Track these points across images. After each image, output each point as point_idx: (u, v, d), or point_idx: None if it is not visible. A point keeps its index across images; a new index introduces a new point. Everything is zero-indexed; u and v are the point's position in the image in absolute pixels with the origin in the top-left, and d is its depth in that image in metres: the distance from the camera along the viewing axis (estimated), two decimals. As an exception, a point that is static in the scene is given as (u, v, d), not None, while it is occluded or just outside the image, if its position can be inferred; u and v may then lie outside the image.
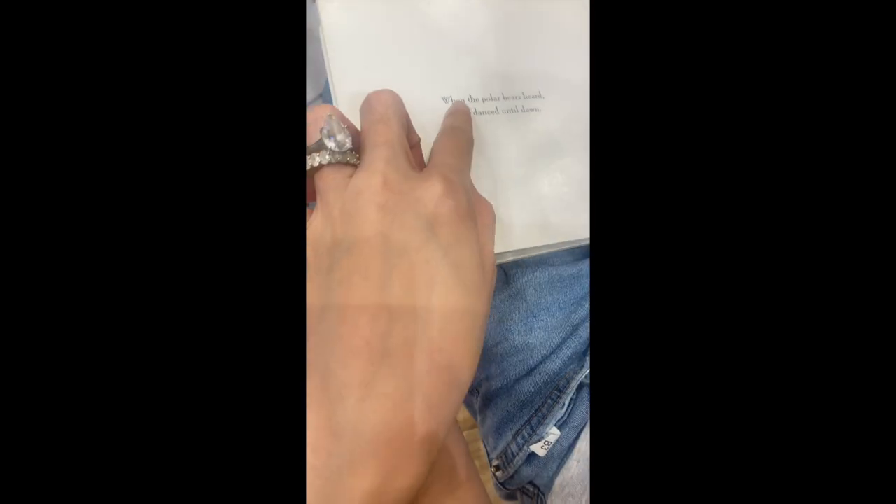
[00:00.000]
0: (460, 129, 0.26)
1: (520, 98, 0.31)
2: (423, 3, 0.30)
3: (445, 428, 0.20)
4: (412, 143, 0.25)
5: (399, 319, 0.19)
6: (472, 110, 0.29)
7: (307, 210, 0.23)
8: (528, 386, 0.37)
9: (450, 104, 0.28)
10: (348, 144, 0.22)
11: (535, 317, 0.36)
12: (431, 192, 0.21)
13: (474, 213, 0.23)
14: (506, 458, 0.38)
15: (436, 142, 0.25)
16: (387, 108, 0.23)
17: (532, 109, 0.31)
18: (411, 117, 0.25)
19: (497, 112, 0.30)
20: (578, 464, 0.35)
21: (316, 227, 0.22)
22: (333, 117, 0.22)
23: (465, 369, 0.20)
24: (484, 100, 0.30)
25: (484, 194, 0.25)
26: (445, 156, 0.24)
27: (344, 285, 0.20)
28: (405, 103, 0.25)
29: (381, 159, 0.21)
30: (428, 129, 0.27)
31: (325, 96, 0.45)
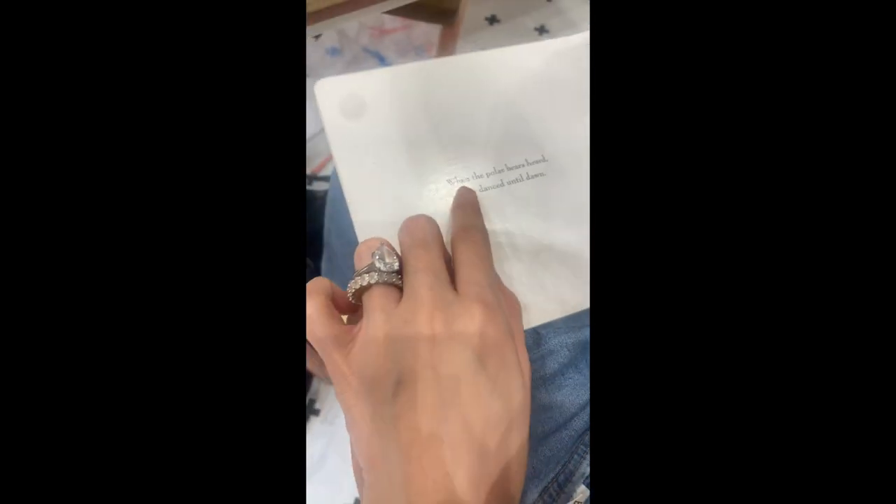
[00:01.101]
0: (473, 227, 0.26)
1: (523, 165, 0.30)
2: (418, 95, 0.31)
3: None
4: (447, 260, 0.26)
5: (459, 459, 0.20)
6: (478, 187, 0.29)
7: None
8: (554, 442, 0.37)
9: (454, 185, 0.28)
10: (395, 266, 0.24)
11: (562, 375, 0.36)
12: (474, 323, 0.22)
13: (512, 328, 0.23)
14: (533, 517, 0.38)
15: (455, 248, 0.25)
16: (425, 232, 0.24)
17: (537, 175, 0.31)
18: (419, 204, 0.26)
19: (503, 185, 0.30)
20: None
21: (361, 347, 0.22)
22: (384, 246, 0.24)
23: (520, 483, 0.22)
24: (488, 174, 0.30)
25: (503, 275, 0.25)
26: (472, 270, 0.24)
27: (402, 424, 0.21)
28: (412, 192, 0.25)
29: (424, 286, 0.22)
30: (438, 214, 0.27)
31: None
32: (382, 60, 1.32)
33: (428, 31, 1.35)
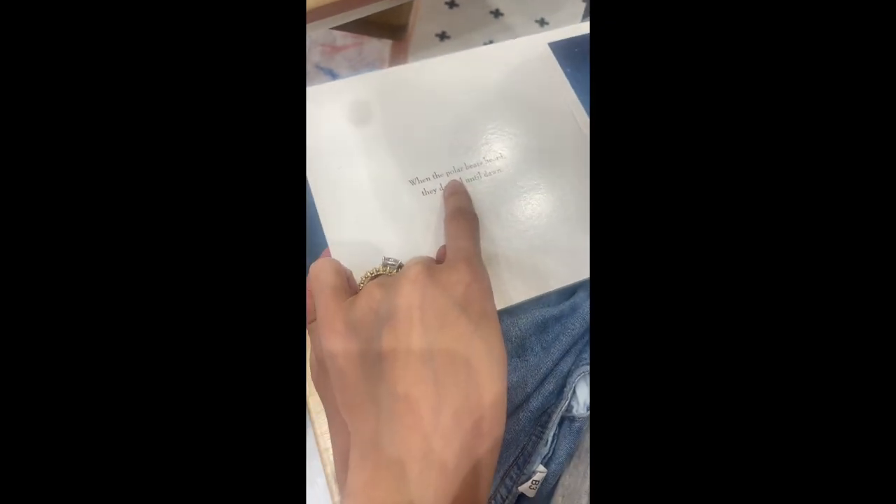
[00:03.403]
0: (464, 209, 0.29)
1: (482, 163, 0.33)
2: (390, 101, 0.34)
3: (491, 480, 0.23)
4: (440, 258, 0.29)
5: (445, 393, 0.21)
6: (438, 186, 0.31)
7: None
8: (512, 425, 0.38)
9: (416, 185, 0.31)
10: (400, 263, 0.27)
11: (518, 357, 0.37)
12: (459, 276, 0.24)
13: (491, 290, 0.25)
14: (495, 501, 0.39)
15: (447, 225, 0.29)
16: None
17: (496, 171, 0.33)
18: (386, 203, 0.28)
19: (462, 182, 0.32)
20: (563, 499, 0.37)
21: (353, 299, 0.24)
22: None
23: (501, 430, 0.23)
24: (448, 174, 0.32)
25: None
26: (461, 240, 0.27)
27: (388, 364, 0.21)
28: (378, 189, 0.28)
29: (419, 259, 0.25)
30: (402, 211, 0.30)
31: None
32: (335, 77, 1.34)
33: (379, 47, 1.38)
